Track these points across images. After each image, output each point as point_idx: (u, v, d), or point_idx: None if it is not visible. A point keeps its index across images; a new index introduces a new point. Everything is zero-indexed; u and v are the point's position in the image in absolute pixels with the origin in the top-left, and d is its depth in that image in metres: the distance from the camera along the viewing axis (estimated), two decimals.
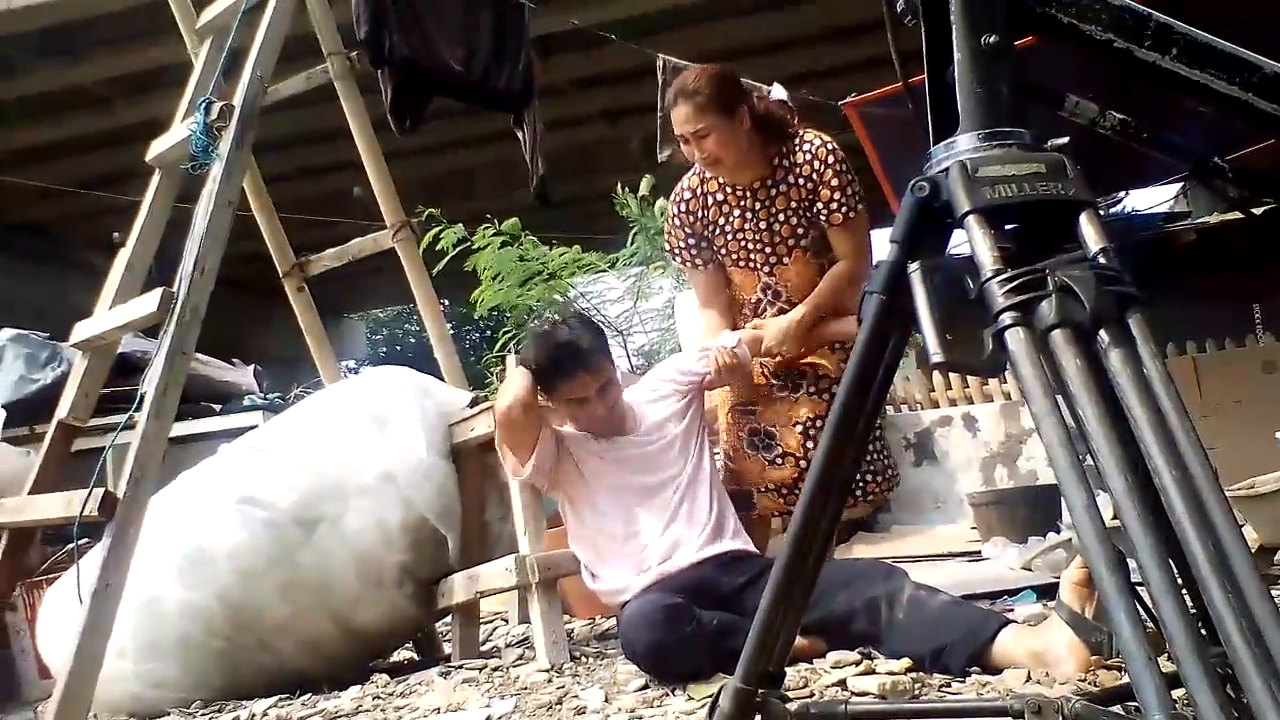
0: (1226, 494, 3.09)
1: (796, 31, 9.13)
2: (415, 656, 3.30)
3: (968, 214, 1.18)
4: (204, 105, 2.71)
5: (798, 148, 2.79)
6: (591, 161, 11.53)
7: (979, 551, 4.22)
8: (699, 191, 2.86)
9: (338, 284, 4.15)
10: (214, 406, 5.30)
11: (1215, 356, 6.31)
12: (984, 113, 1.25)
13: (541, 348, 2.56)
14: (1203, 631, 0.96)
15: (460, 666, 2.63)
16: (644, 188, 7.11)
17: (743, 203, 2.81)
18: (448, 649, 3.10)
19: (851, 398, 1.33)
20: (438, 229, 6.97)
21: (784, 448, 2.79)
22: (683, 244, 2.89)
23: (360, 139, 3.46)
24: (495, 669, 2.52)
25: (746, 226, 2.81)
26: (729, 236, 2.83)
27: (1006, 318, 1.10)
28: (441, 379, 3.47)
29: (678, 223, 2.89)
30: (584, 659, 2.55)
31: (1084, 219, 1.18)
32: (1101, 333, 1.08)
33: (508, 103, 4.01)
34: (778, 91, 5.57)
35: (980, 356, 1.16)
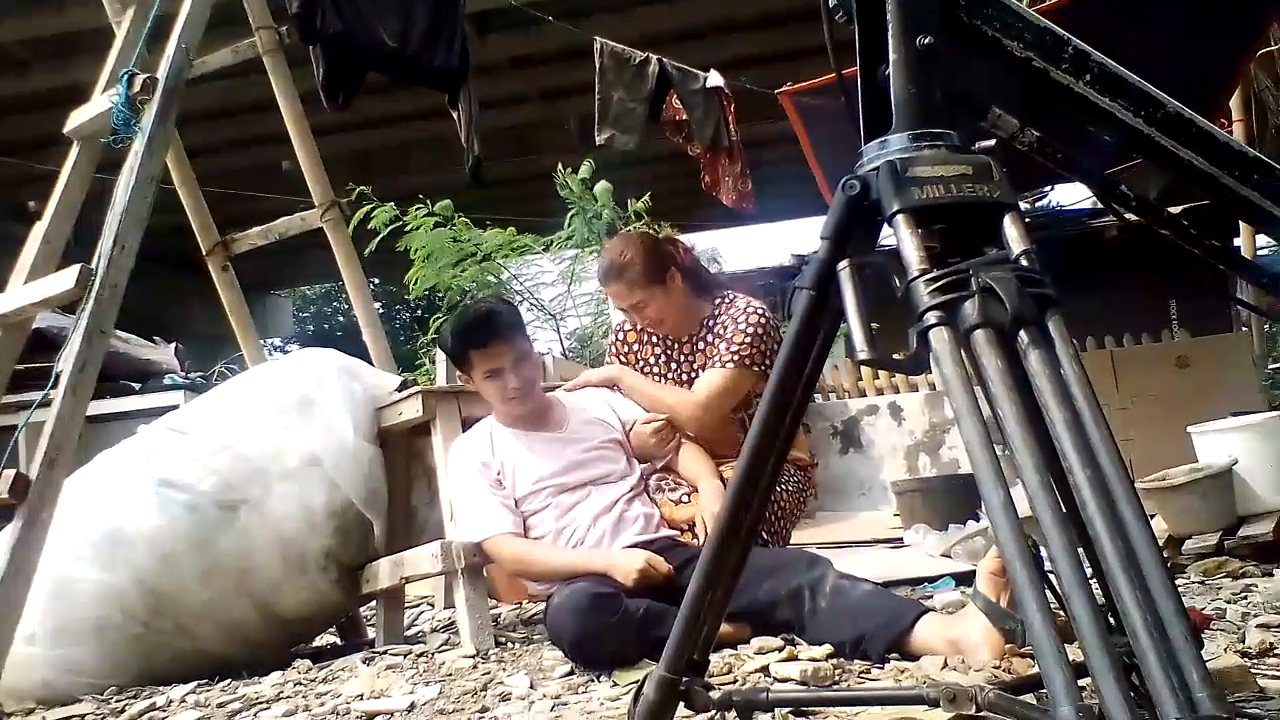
0: (1138, 485, 3.18)
1: (733, 16, 9.16)
2: (339, 641, 3.27)
3: (896, 213, 1.20)
4: (126, 77, 2.63)
5: (725, 310, 2.91)
6: (529, 141, 11.46)
7: (901, 538, 4.30)
8: (639, 329, 3.01)
9: (264, 260, 4.07)
10: (133, 385, 5.17)
11: (1132, 351, 6.52)
12: (916, 113, 1.27)
13: (456, 321, 2.67)
14: (1111, 621, 1.00)
15: (384, 652, 2.61)
16: (584, 170, 7.09)
17: (670, 353, 2.95)
18: (372, 633, 3.07)
19: (781, 390, 1.34)
20: (369, 207, 6.88)
21: (688, 487, 2.78)
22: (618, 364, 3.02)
23: (289, 116, 3.39)
24: (419, 655, 2.51)
25: (671, 375, 2.94)
26: (655, 378, 2.95)
27: (930, 317, 1.12)
28: (370, 361, 3.43)
29: (615, 351, 3.05)
30: (510, 644, 2.55)
31: (1008, 221, 1.20)
32: (1022, 333, 1.11)
33: (443, 81, 3.96)
34: (714, 79, 5.61)
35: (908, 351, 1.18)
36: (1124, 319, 6.75)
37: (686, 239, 7.06)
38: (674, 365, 2.95)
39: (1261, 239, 7.77)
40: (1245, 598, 2.49)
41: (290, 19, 3.47)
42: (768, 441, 1.34)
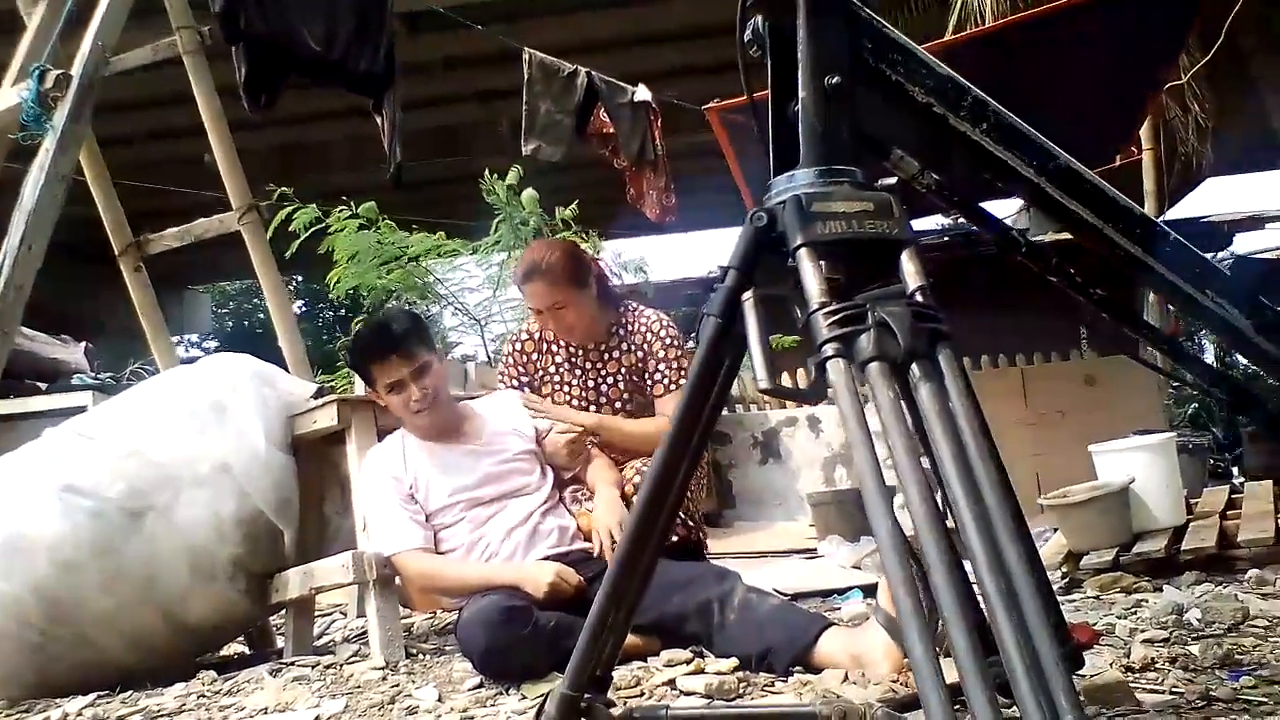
0: (1041, 501, 3.26)
1: (665, 27, 9.22)
2: (247, 651, 3.22)
3: (799, 247, 1.24)
4: (37, 73, 2.57)
5: (635, 319, 2.96)
6: (461, 142, 11.38)
7: (815, 549, 4.38)
8: (537, 339, 3.01)
9: (183, 255, 3.97)
10: (40, 385, 5.03)
11: (1042, 369, 6.72)
12: (823, 150, 1.32)
13: (355, 336, 2.69)
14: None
15: (292, 663, 2.58)
16: (511, 176, 7.08)
17: (574, 360, 2.96)
18: (282, 643, 3.03)
19: (687, 416, 1.38)
20: (291, 208, 6.77)
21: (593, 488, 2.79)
22: (515, 384, 3.01)
23: (208, 117, 3.33)
24: (328, 666, 2.49)
25: (575, 383, 2.95)
26: (556, 387, 2.97)
27: (828, 349, 1.16)
28: (285, 367, 3.39)
29: (512, 361, 3.03)
30: (421, 655, 2.54)
31: (905, 257, 1.25)
32: (914, 366, 1.16)
33: (368, 86, 3.92)
34: (642, 93, 5.65)
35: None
36: (1035, 338, 6.95)
37: (613, 246, 7.09)
38: (579, 373, 2.95)
39: None
40: (1135, 613, 2.60)
41: (213, 18, 3.41)
42: (673, 467, 1.37)
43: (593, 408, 2.93)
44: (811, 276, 1.22)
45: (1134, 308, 6.05)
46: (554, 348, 2.99)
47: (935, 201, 1.37)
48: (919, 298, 1.21)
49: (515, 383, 3.00)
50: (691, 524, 2.80)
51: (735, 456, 6.25)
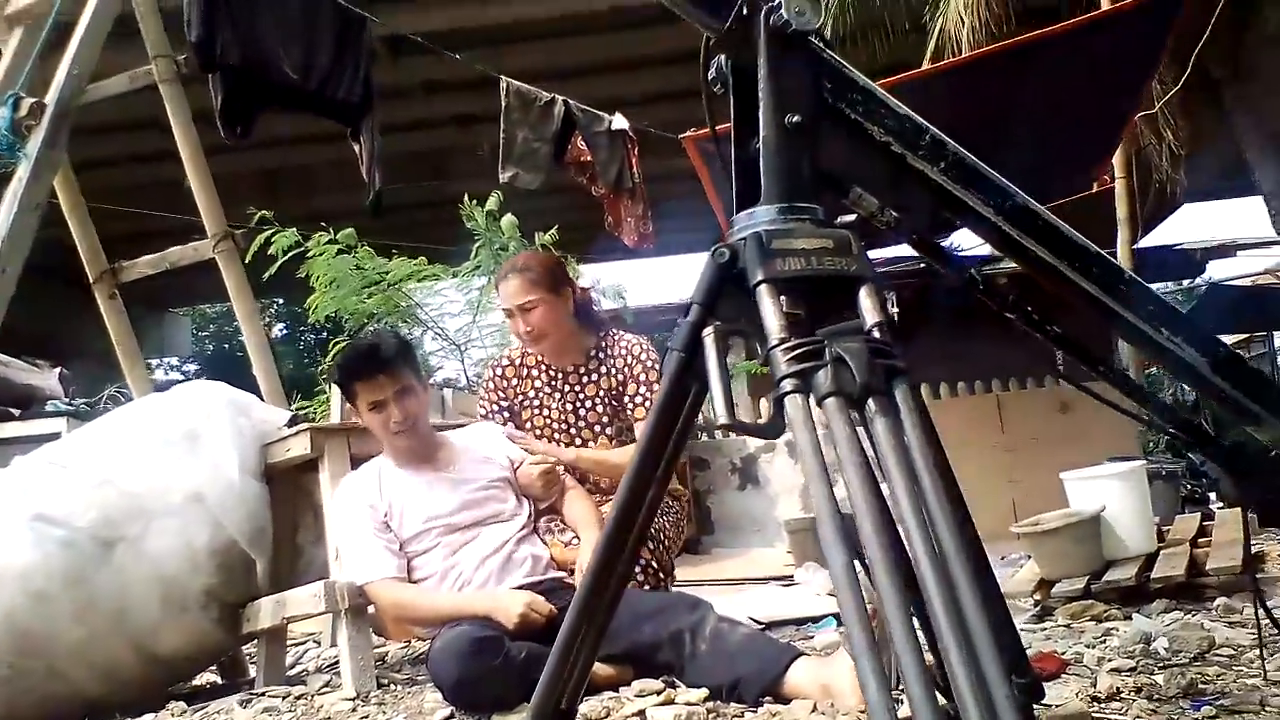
0: (1013, 529, 3.29)
1: (641, 53, 9.30)
2: (219, 680, 3.19)
3: (759, 283, 1.26)
4: (12, 100, 2.58)
5: (615, 343, 2.98)
6: (442, 166, 11.42)
7: (792, 576, 4.39)
8: (518, 364, 3.02)
9: (163, 277, 3.95)
10: (13, 411, 4.98)
11: (1018, 395, 6.76)
12: (783, 188, 1.34)
13: (344, 352, 2.72)
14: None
15: (263, 694, 2.57)
16: (491, 202, 7.10)
17: (554, 383, 2.96)
18: (254, 672, 3.01)
19: (650, 447, 1.39)
20: (270, 232, 6.77)
21: (575, 530, 2.78)
22: (495, 408, 3.01)
23: (184, 146, 3.34)
24: (299, 697, 2.48)
25: (554, 406, 2.95)
26: (535, 411, 2.97)
27: (786, 384, 1.18)
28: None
29: (492, 386, 3.04)
30: (393, 686, 2.53)
31: (863, 294, 1.27)
32: (870, 402, 1.17)
33: (345, 114, 3.94)
34: (619, 121, 5.69)
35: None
36: (1011, 365, 7.00)
37: (592, 271, 7.10)
38: (558, 396, 2.95)
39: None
40: (1104, 641, 2.61)
41: (188, 47, 3.42)
42: (637, 497, 1.38)
43: (571, 430, 2.94)
44: (771, 313, 1.23)
45: (1104, 341, 6.12)
46: (534, 371, 2.99)
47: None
48: (876, 334, 1.23)
49: (495, 408, 3.00)
50: (654, 564, 2.74)
51: (714, 482, 6.26)
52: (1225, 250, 9.31)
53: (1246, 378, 1.54)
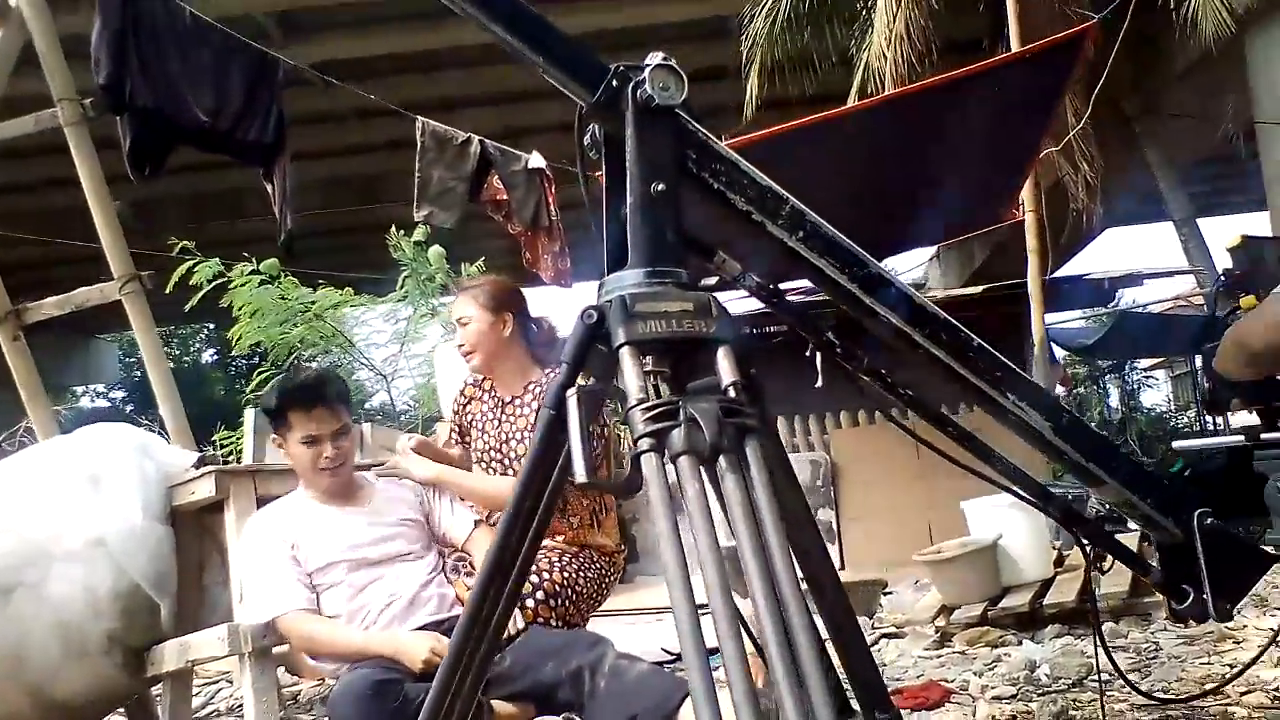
0: (915, 557, 3.39)
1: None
2: None
3: (621, 345, 1.32)
4: None
5: (551, 381, 2.95)
6: (374, 191, 11.41)
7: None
8: (475, 386, 3.06)
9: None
10: None
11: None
12: (648, 252, 1.40)
13: (285, 381, 2.70)
14: None
15: None
16: (419, 233, 7.12)
17: (495, 410, 2.99)
18: (162, 715, 2.99)
19: (521, 503, 1.44)
20: (192, 262, 6.73)
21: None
22: (455, 424, 3.08)
23: (89, 188, 3.31)
24: None
25: (492, 433, 2.98)
26: (479, 434, 3.01)
27: (643, 443, 1.24)
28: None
29: (456, 407, 3.09)
30: None
31: (721, 354, 1.34)
32: (721, 460, 1.24)
33: (257, 155, 3.93)
34: (535, 160, 5.76)
35: None
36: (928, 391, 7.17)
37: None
38: (496, 423, 2.97)
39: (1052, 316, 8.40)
40: (994, 668, 2.72)
41: (96, 89, 3.41)
42: (510, 554, 1.43)
43: (505, 460, 2.93)
44: (631, 374, 1.29)
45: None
46: (485, 396, 3.01)
47: None
48: (731, 393, 1.30)
49: (455, 429, 3.05)
50: (562, 623, 2.71)
51: (639, 510, 6.31)
52: (1133, 279, 9.64)
53: (1088, 441, 1.65)
